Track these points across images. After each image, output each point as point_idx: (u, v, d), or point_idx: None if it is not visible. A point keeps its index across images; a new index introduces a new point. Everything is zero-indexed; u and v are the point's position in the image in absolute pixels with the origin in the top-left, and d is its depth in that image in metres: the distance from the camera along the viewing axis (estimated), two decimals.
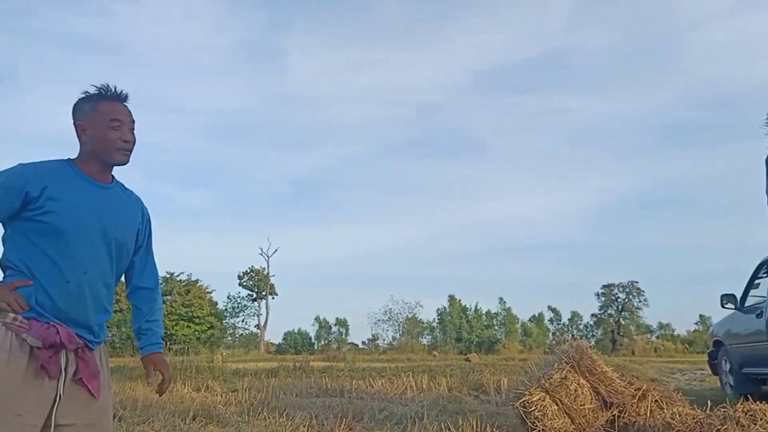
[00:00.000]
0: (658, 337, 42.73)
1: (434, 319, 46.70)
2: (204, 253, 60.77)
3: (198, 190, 64.11)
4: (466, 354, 31.21)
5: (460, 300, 46.85)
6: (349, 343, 47.40)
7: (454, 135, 66.39)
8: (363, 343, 46.97)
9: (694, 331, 39.01)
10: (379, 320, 45.72)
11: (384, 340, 45.48)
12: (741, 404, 3.05)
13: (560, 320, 48.76)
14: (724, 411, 3.08)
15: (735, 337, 7.96)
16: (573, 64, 59.64)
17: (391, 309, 45.57)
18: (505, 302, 48.11)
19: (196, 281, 37.49)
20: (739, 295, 7.99)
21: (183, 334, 34.14)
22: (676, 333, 43.45)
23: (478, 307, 47.03)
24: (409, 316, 45.53)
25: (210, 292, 38.12)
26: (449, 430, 4.88)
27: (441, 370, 13.23)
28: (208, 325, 36.03)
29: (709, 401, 3.55)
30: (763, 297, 7.31)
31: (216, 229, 64.89)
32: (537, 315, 49.29)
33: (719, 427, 3.02)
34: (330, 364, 17.94)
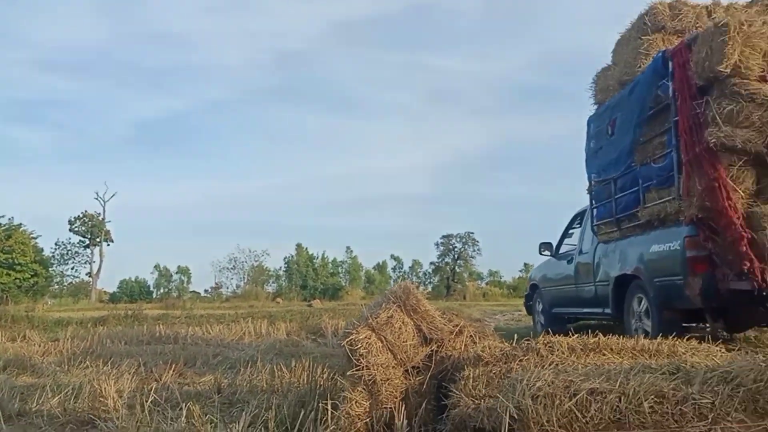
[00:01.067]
0: (487, 283, 46.08)
1: (281, 267, 46.66)
2: (33, 197, 55.48)
3: (30, 128, 58.07)
4: (309, 301, 31.61)
5: (307, 248, 47.08)
6: (191, 292, 46.04)
7: (317, 85, 65.37)
8: (205, 291, 45.85)
9: (519, 277, 42.47)
10: (223, 269, 44.78)
11: (228, 288, 44.73)
12: (542, 337, 3.34)
13: (402, 268, 50.82)
14: (528, 343, 3.36)
15: (548, 281, 8.76)
16: (436, 21, 60.82)
17: (236, 257, 44.78)
18: (351, 251, 49.12)
19: (19, 225, 34.37)
20: (555, 244, 8.76)
21: (1, 282, 31.21)
22: (503, 279, 47.05)
23: (325, 256, 47.58)
24: (255, 264, 45.08)
25: (35, 238, 35.22)
26: (281, 371, 4.92)
27: (281, 316, 13.28)
28: (31, 273, 33.36)
29: (515, 335, 3.87)
30: (575, 245, 8.09)
31: (48, 171, 59.34)
32: (381, 263, 50.97)
33: (521, 357, 3.28)
34: (167, 312, 17.30)
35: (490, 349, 3.56)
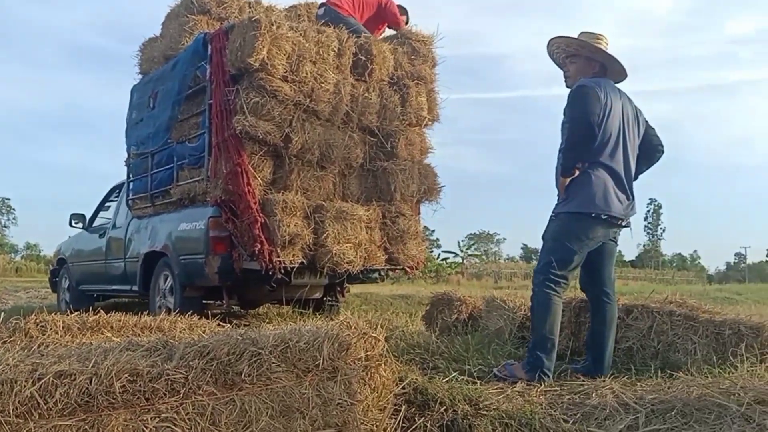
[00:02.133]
0: (23, 257, 41.05)
1: None
2: None
3: None
4: None
5: None
6: None
7: None
8: None
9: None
10: None
11: None
12: (34, 316, 3.02)
13: None
14: (16, 323, 2.99)
15: (77, 256, 8.17)
16: None
17: None
18: None
19: None
20: (89, 216, 8.22)
21: None
22: (42, 253, 42.59)
23: None
24: None
25: None
26: None
27: None
28: None
29: (2, 314, 3.42)
30: (109, 219, 7.73)
31: None
32: None
33: (6, 338, 2.90)
34: None
35: None
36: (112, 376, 1.99)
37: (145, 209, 6.63)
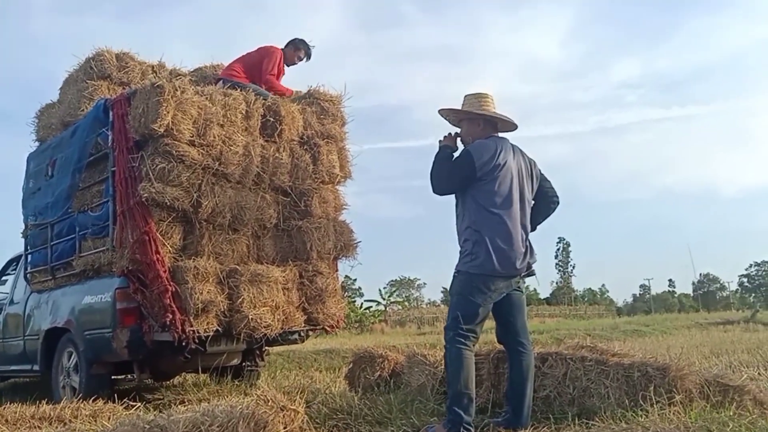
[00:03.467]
0: None
1: None
2: None
3: None
4: None
5: None
6: None
7: None
8: None
9: None
10: None
11: None
12: None
13: None
14: None
15: None
16: None
17: None
18: None
19: None
20: None
21: None
22: None
23: None
24: None
25: None
26: None
27: None
28: None
29: None
30: (6, 294, 7.24)
31: None
32: None
33: None
34: None
35: None
36: None
37: (45, 283, 6.26)
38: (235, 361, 6.06)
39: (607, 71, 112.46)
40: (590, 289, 67.79)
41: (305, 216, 5.96)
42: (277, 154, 5.83)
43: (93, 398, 4.21)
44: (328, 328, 5.85)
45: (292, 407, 2.65)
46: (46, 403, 3.79)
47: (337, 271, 6.13)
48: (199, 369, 5.77)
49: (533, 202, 3.59)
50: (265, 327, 5.16)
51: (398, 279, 55.96)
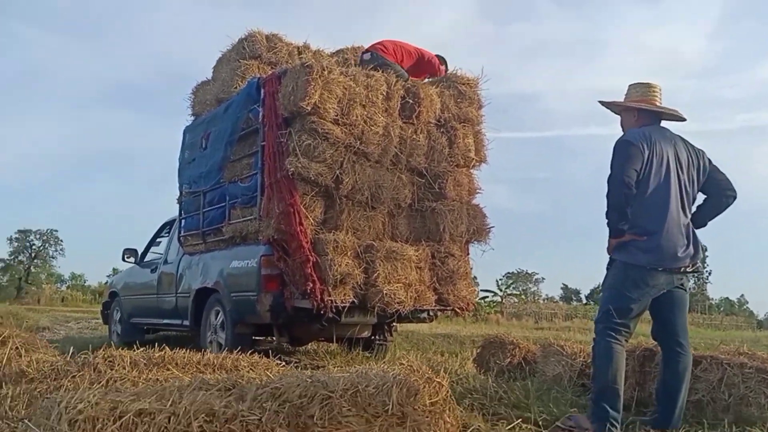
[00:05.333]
0: (68, 287, 41.99)
1: None
2: None
3: None
4: None
5: None
6: None
7: None
8: None
9: (105, 283, 39.76)
10: None
11: None
12: (103, 351, 3.10)
13: None
14: (84, 357, 3.08)
15: (129, 289, 8.35)
16: None
17: None
18: None
19: None
20: (141, 251, 8.42)
21: None
22: (87, 284, 43.50)
23: None
24: None
25: None
26: None
27: None
28: None
29: (72, 348, 3.52)
30: (161, 254, 7.91)
31: None
32: None
33: (76, 372, 2.99)
34: None
35: (37, 363, 3.16)
36: (190, 416, 2.03)
37: (196, 246, 6.76)
38: (366, 334, 6.26)
39: (755, 68, 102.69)
40: (727, 298, 62.91)
41: (439, 198, 6.02)
42: (414, 136, 5.92)
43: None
44: (458, 310, 5.88)
45: (437, 379, 2.71)
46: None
47: (468, 254, 6.14)
48: (333, 338, 6.03)
49: (705, 195, 3.39)
50: (398, 303, 5.29)
51: (515, 271, 54.79)
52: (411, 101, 5.96)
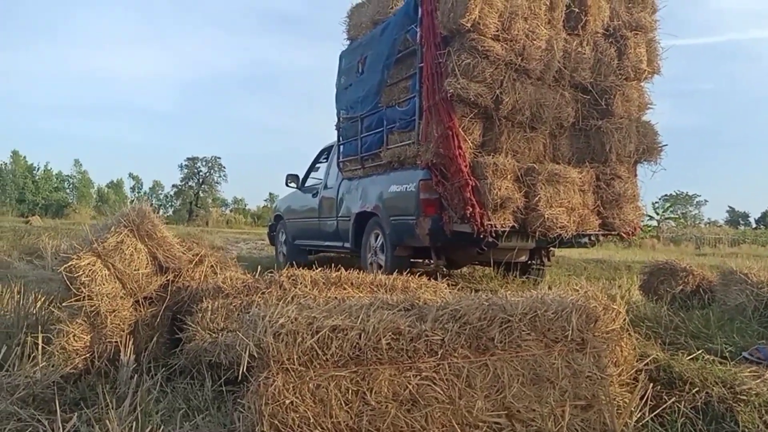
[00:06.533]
0: (231, 210, 45.60)
1: None
2: None
3: None
4: (27, 217, 27.91)
5: (25, 157, 41.40)
6: None
7: None
8: None
9: (264, 206, 42.78)
10: None
11: None
12: (286, 270, 3.31)
13: (141, 188, 47.69)
14: (271, 276, 3.31)
15: (293, 213, 8.86)
16: None
17: None
18: (80, 165, 44.49)
19: None
20: (302, 176, 8.85)
21: None
22: (247, 207, 46.99)
23: (48, 167, 42.38)
24: None
25: None
26: None
27: None
28: None
29: (258, 267, 3.80)
30: (320, 179, 8.26)
31: None
32: (116, 181, 47.13)
33: (264, 289, 3.23)
34: None
35: (231, 280, 3.45)
36: (378, 333, 2.12)
37: (354, 171, 6.96)
38: (523, 258, 6.20)
39: None
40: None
41: (605, 115, 5.66)
42: (579, 48, 5.56)
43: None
44: (624, 234, 5.61)
45: (614, 306, 2.61)
46: None
47: (636, 175, 5.78)
48: (490, 262, 6.03)
49: None
50: (560, 228, 5.14)
51: (674, 193, 51.13)
52: (577, 10, 5.57)
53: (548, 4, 5.46)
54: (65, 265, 3.09)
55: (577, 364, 2.32)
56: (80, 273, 3.09)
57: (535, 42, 5.32)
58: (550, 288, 2.85)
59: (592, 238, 5.73)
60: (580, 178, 5.34)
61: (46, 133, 61.35)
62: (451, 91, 5.16)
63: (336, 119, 7.44)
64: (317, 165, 8.71)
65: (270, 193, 45.27)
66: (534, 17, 5.37)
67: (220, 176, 45.04)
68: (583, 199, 5.36)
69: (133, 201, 45.49)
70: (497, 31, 5.20)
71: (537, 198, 5.14)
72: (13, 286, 4.24)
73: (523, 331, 2.26)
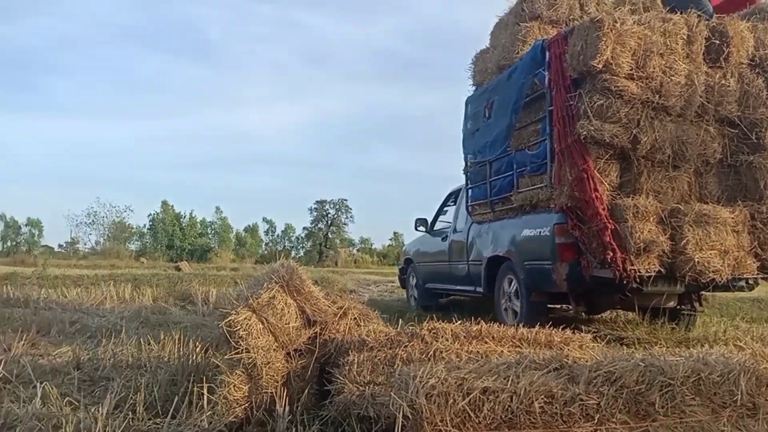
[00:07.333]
0: (358, 250, 46.85)
1: (145, 224, 44.42)
2: None
3: None
4: (176, 262, 30.31)
5: (173, 206, 45.14)
6: (43, 246, 42.68)
7: (181, 30, 62.13)
8: (60, 246, 42.68)
9: (389, 245, 43.56)
10: (80, 223, 41.82)
11: (86, 244, 41.89)
12: (426, 323, 3.36)
13: (274, 231, 50.27)
14: (412, 329, 3.37)
15: (423, 256, 8.96)
16: None
17: (95, 212, 41.94)
18: (221, 211, 47.76)
19: None
20: (430, 220, 8.95)
21: None
22: (374, 247, 48.05)
23: (193, 215, 45.91)
24: (117, 220, 42.50)
25: None
26: (148, 343, 4.59)
27: (147, 280, 12.56)
28: None
29: (397, 316, 3.88)
30: (449, 223, 8.31)
31: None
32: (252, 225, 50.05)
33: (407, 343, 3.30)
34: (16, 269, 15.71)
35: (374, 333, 3.55)
36: (531, 396, 2.10)
37: (485, 215, 6.94)
38: (671, 304, 5.83)
39: None
40: None
41: (757, 149, 5.29)
42: (723, 81, 5.28)
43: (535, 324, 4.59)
44: None
45: None
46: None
47: None
48: (635, 307, 5.74)
49: None
50: (713, 272, 4.81)
51: None
52: (717, 42, 5.31)
53: (686, 38, 5.24)
54: (225, 320, 3.33)
55: (748, 431, 2.16)
56: (238, 327, 3.32)
57: (673, 78, 5.12)
58: (708, 344, 2.68)
59: (750, 281, 5.30)
60: (733, 218, 4.99)
61: (190, 183, 67.03)
62: (584, 133, 5.05)
63: (463, 164, 7.50)
64: (445, 208, 8.78)
65: (394, 232, 46.06)
66: (671, 52, 5.17)
67: (347, 217, 46.62)
68: (738, 240, 4.99)
69: (267, 244, 47.92)
70: (631, 69, 5.06)
71: (685, 240, 4.85)
72: (173, 332, 4.60)
73: (687, 395, 2.15)
